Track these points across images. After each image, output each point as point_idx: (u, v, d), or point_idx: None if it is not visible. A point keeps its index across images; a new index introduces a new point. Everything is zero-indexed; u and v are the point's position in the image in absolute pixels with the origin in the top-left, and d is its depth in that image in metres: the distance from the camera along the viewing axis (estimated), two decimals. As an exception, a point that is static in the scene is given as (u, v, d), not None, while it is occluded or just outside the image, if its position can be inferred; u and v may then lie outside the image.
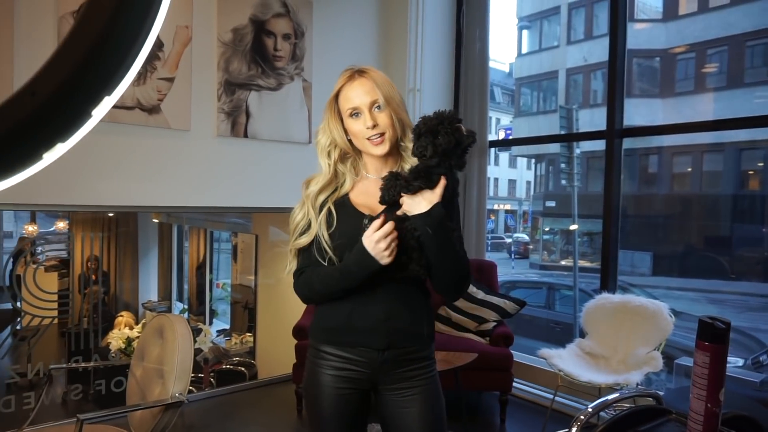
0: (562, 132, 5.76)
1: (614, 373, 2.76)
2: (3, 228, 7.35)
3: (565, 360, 2.86)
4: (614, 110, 3.22)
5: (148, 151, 2.92)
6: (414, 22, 3.83)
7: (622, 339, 2.90)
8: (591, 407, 1.10)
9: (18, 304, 3.87)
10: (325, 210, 1.33)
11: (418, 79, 3.86)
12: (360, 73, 1.36)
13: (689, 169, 9.86)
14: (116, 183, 2.84)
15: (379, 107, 1.32)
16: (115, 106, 2.56)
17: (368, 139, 1.31)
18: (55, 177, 2.64)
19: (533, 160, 14.97)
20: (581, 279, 6.94)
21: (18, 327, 4.59)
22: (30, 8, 2.44)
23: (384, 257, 1.21)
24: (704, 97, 9.38)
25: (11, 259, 4.97)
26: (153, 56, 2.85)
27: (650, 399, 1.24)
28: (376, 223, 1.23)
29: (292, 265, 1.39)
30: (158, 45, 2.88)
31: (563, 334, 5.68)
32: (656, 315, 2.81)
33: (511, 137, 12.20)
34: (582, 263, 9.92)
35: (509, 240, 13.69)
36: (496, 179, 17.83)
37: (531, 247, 13.35)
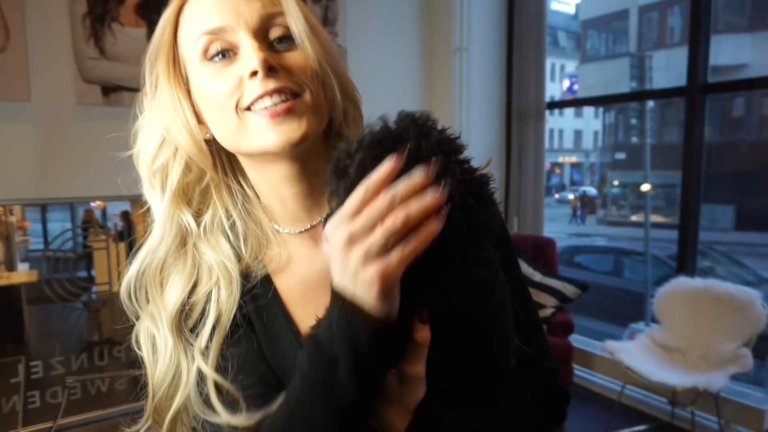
0: (633, 84, 5.16)
1: (693, 371, 2.42)
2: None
3: (634, 354, 2.54)
4: (696, 64, 2.73)
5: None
6: (458, -29, 3.40)
7: (702, 331, 2.53)
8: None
9: (92, 273, 3.96)
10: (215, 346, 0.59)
11: (464, 36, 3.46)
12: None
13: (782, 113, 8.84)
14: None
15: (283, 39, 0.57)
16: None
17: (249, 108, 0.55)
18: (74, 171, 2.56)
19: (601, 109, 13.97)
20: (654, 242, 6.40)
21: (93, 297, 4.76)
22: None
23: (372, 291, 0.44)
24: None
25: (81, 231, 5.12)
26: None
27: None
28: (352, 203, 0.45)
29: None
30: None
31: (632, 305, 5.25)
32: (747, 305, 2.41)
33: (576, 86, 11.33)
34: (655, 218, 9.22)
35: (573, 195, 12.95)
36: (560, 131, 16.87)
37: (598, 202, 12.63)
